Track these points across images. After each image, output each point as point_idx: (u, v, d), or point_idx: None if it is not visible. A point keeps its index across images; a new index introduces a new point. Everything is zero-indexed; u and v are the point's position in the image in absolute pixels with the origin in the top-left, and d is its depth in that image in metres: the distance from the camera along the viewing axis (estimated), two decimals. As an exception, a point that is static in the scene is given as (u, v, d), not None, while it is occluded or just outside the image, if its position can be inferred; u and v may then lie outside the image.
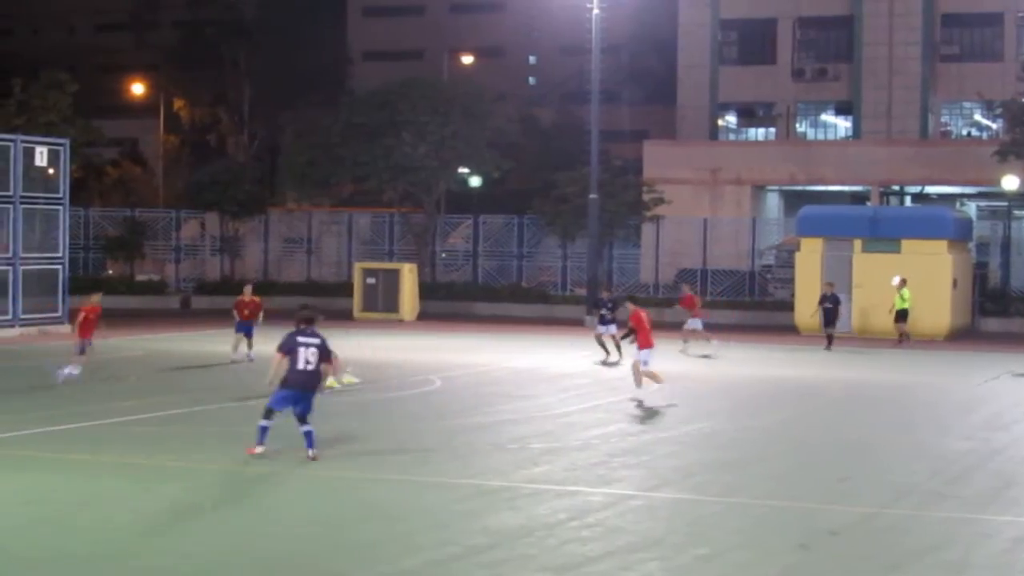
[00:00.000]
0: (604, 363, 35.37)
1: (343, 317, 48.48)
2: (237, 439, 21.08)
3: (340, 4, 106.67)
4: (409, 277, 53.65)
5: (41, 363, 34.45)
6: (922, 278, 45.73)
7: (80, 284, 51.57)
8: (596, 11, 51.95)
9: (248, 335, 33.29)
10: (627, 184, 58.23)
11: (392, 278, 53.51)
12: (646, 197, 57.13)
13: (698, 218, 59.92)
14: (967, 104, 71.47)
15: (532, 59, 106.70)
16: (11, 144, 43.77)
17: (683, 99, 74.98)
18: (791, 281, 50.43)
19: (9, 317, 43.00)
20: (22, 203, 43.72)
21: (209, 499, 17.22)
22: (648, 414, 25.98)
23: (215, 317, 43.91)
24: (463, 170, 64.35)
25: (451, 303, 56.75)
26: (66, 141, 46.57)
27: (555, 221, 57.39)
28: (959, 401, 29.83)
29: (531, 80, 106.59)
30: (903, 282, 43.93)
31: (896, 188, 68.68)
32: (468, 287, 59.53)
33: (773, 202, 71.05)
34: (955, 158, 64.15)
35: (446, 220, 64.60)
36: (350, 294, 53.68)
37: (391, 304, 52.90)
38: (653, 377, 27.57)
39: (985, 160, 55.85)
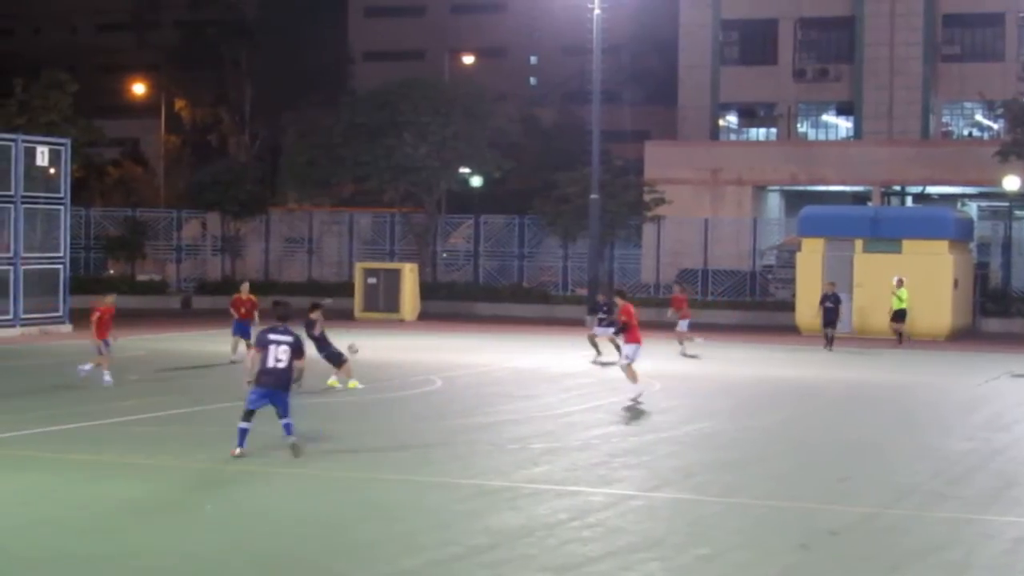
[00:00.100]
0: (595, 362, 35.32)
1: (344, 317, 48.45)
2: (226, 442, 21.08)
3: (341, 4, 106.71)
4: (410, 277, 53.65)
5: (41, 362, 34.53)
6: (923, 278, 45.73)
7: (81, 284, 51.66)
8: (597, 11, 51.92)
9: (245, 336, 33.29)
10: (628, 184, 58.25)
11: (393, 278, 53.51)
12: (647, 197, 57.14)
13: (699, 218, 59.94)
14: (968, 104, 71.47)
15: (533, 59, 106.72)
16: (12, 144, 43.78)
17: (684, 99, 75.02)
18: (792, 281, 50.43)
19: (10, 317, 43.01)
20: (23, 203, 43.73)
21: (210, 499, 17.22)
22: (649, 414, 25.95)
23: (216, 317, 43.88)
24: (464, 170, 64.37)
25: (452, 303, 56.75)
26: (67, 141, 46.58)
27: (556, 221, 57.42)
28: (960, 401, 29.82)
29: (532, 80, 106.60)
30: (900, 282, 43.93)
31: (897, 188, 68.69)
32: (469, 287, 59.54)
33: (774, 202, 71.07)
34: (956, 158, 64.16)
35: (447, 220, 64.61)
36: (351, 294, 53.67)
37: (392, 304, 52.91)
38: (629, 373, 27.45)
39: (986, 160, 55.86)
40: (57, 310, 44.64)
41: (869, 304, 45.97)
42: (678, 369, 34.94)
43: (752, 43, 74.86)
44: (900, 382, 33.82)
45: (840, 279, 45.10)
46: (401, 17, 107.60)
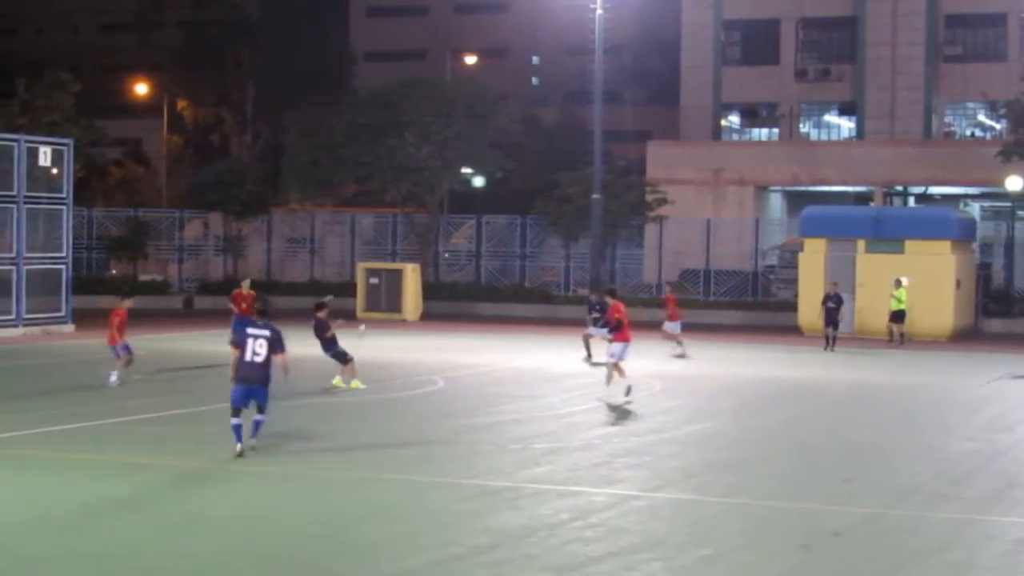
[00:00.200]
0: (585, 362, 35.26)
1: (346, 317, 48.33)
2: (228, 442, 21.09)
3: (343, 4, 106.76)
4: (412, 277, 53.65)
5: (43, 362, 34.55)
6: (925, 279, 45.74)
7: (84, 284, 51.65)
8: (599, 11, 51.92)
9: None
10: (630, 184, 58.25)
11: (395, 278, 53.51)
12: (649, 197, 57.15)
13: (701, 218, 59.94)
14: (971, 104, 71.44)
15: (535, 59, 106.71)
16: (15, 144, 43.79)
17: (686, 99, 75.02)
18: (794, 282, 50.42)
19: (13, 317, 43.02)
20: (26, 203, 43.73)
21: (211, 499, 17.22)
22: (650, 414, 25.95)
23: (218, 317, 43.88)
24: (466, 170, 64.36)
25: (454, 303, 56.75)
26: (70, 141, 46.59)
27: (558, 221, 57.42)
28: (962, 402, 29.80)
29: (534, 80, 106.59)
30: (898, 282, 43.92)
31: (899, 188, 68.66)
32: (471, 287, 59.55)
33: (776, 202, 71.07)
34: (959, 159, 64.15)
35: (449, 220, 64.61)
36: (353, 294, 53.66)
37: (394, 304, 52.91)
38: (615, 370, 27.39)
39: (989, 161, 55.85)
40: (60, 310, 44.66)
41: (871, 304, 45.94)
42: (679, 369, 34.94)
43: (754, 43, 74.85)
44: (902, 383, 33.81)
45: (842, 279, 45.10)
46: (403, 17, 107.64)
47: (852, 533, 15.82)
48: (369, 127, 58.62)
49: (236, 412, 19.72)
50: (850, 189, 68.10)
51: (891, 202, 68.37)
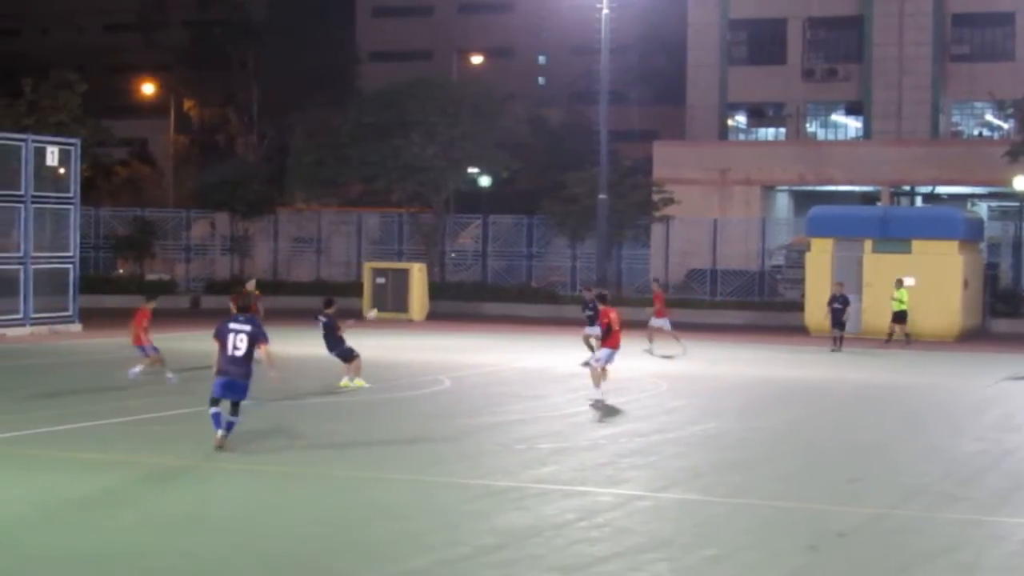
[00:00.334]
0: (586, 364, 35.13)
1: (352, 317, 48.32)
2: (243, 440, 21.10)
3: (349, 4, 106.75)
4: (419, 277, 53.67)
5: (50, 361, 34.58)
6: (933, 279, 45.71)
7: (91, 284, 51.67)
8: (606, 11, 51.93)
9: None
10: (636, 184, 58.23)
11: (401, 278, 53.54)
12: (655, 197, 57.12)
13: (707, 218, 59.90)
14: (978, 104, 71.37)
15: (541, 59, 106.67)
16: (22, 144, 43.84)
17: (692, 99, 75.00)
18: (801, 281, 50.37)
19: (20, 316, 43.09)
20: (33, 202, 43.79)
21: (214, 499, 17.21)
22: (656, 415, 25.94)
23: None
24: (472, 170, 64.37)
25: (460, 303, 56.75)
26: (77, 141, 46.62)
27: (564, 221, 57.38)
28: (970, 402, 29.76)
29: (540, 80, 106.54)
30: (899, 282, 43.88)
31: (907, 188, 68.60)
32: (477, 287, 59.55)
33: (783, 202, 71.03)
34: (966, 158, 64.08)
35: (455, 220, 64.60)
36: (359, 294, 53.67)
37: (400, 304, 52.91)
38: (599, 374, 27.32)
39: (996, 160, 55.80)
40: (67, 310, 44.72)
41: (878, 305, 45.85)
42: (685, 369, 34.91)
43: (760, 43, 74.81)
44: (909, 383, 33.77)
45: (849, 279, 45.00)
46: (409, 17, 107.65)
47: (858, 534, 15.79)
48: (375, 127, 58.64)
49: (215, 402, 20.11)
50: (857, 189, 68.06)
51: (898, 202, 68.32)
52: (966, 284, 47.33)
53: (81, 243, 48.06)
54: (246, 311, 20.59)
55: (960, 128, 73.64)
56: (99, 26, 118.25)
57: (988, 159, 59.39)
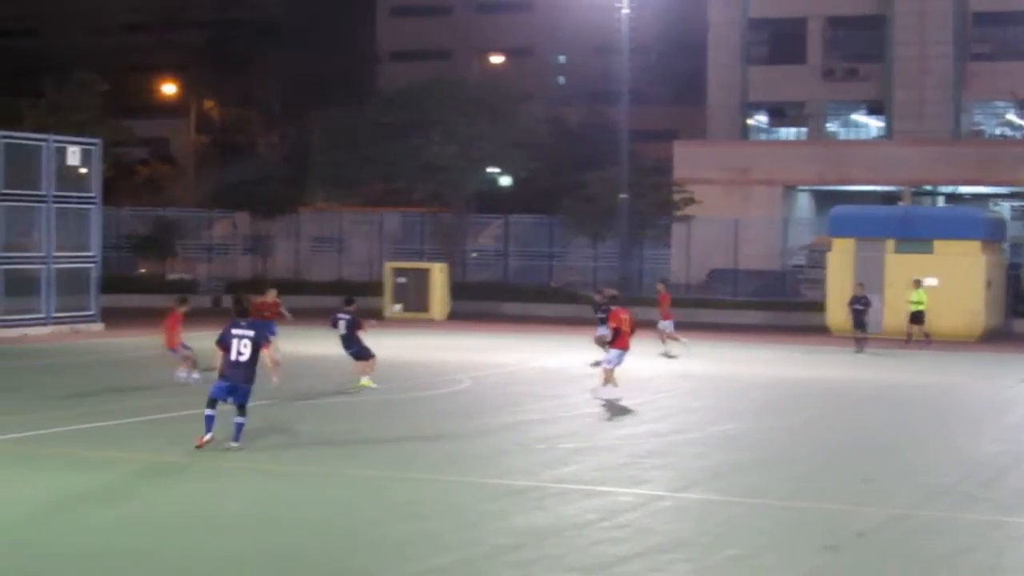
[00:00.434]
0: (597, 364, 35.02)
1: (373, 316, 48.38)
2: (263, 439, 21.17)
3: (368, 4, 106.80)
4: (439, 277, 53.69)
5: (72, 360, 34.69)
6: (955, 279, 45.56)
7: (112, 283, 51.78)
8: (626, 11, 51.90)
9: (272, 333, 33.25)
10: (657, 184, 58.17)
11: (422, 278, 53.55)
12: (676, 197, 57.06)
13: (728, 218, 59.75)
14: (1000, 103, 71.11)
15: (561, 59, 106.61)
16: (44, 144, 43.99)
17: (713, 99, 74.89)
18: (822, 282, 50.23)
19: (42, 315, 43.24)
20: (55, 202, 43.94)
21: (233, 498, 17.25)
22: (676, 415, 25.93)
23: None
24: (492, 170, 64.39)
25: (481, 303, 56.71)
26: (99, 140, 46.74)
27: (584, 221, 57.33)
28: (991, 403, 29.67)
29: (560, 80, 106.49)
30: (916, 283, 43.74)
31: (928, 188, 68.40)
32: (498, 287, 59.54)
33: (804, 202, 70.87)
34: (987, 158, 63.87)
35: (476, 220, 64.61)
36: (380, 293, 53.72)
37: (421, 303, 52.95)
38: (605, 376, 27.33)
39: (1018, 160, 55.64)
40: (88, 309, 44.87)
41: (900, 305, 45.66)
42: (706, 370, 34.87)
43: (781, 42, 74.67)
44: (930, 383, 33.68)
45: (871, 279, 44.85)
46: (428, 17, 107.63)
47: (877, 534, 15.77)
48: (395, 126, 58.68)
49: (212, 404, 20.27)
50: (878, 189, 67.86)
51: (920, 202, 68.14)
52: (988, 284, 47.17)
53: (103, 243, 48.18)
54: (246, 315, 20.69)
55: (982, 127, 73.41)
56: (119, 26, 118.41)
57: (1010, 158, 59.23)
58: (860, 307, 41.47)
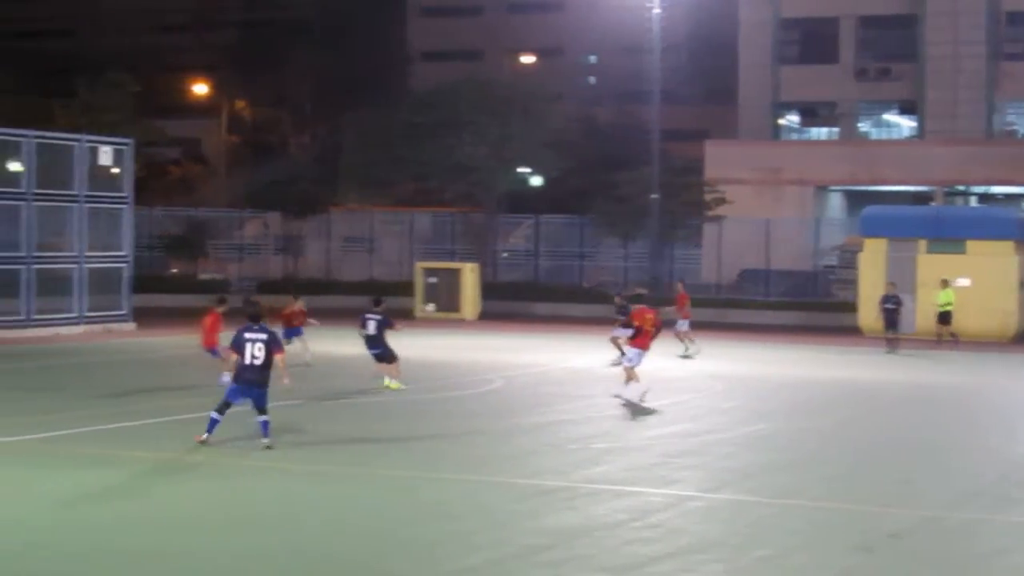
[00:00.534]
0: (614, 364, 34.89)
1: (404, 316, 48.46)
2: (291, 438, 21.22)
3: (399, 4, 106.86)
4: (470, 276, 53.72)
5: (105, 360, 34.83)
6: (988, 279, 45.33)
7: (144, 283, 51.98)
8: (657, 11, 51.81)
9: (299, 335, 33.36)
10: (688, 184, 58.04)
11: (453, 277, 53.60)
12: (707, 197, 56.93)
13: (760, 218, 59.55)
14: (1033, 103, 70.77)
15: (592, 59, 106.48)
16: (76, 144, 44.19)
17: (744, 98, 74.69)
18: (854, 282, 50.02)
19: (74, 315, 43.44)
20: (87, 202, 44.13)
21: (263, 498, 17.26)
22: (707, 415, 25.86)
23: (277, 316, 44.06)
24: (523, 170, 64.36)
25: (511, 303, 56.70)
26: (131, 140, 46.93)
27: (615, 221, 57.25)
28: (1024, 403, 29.52)
29: (591, 80, 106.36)
30: (944, 283, 43.52)
31: (960, 188, 68.08)
32: (529, 287, 59.52)
33: (836, 202, 70.64)
34: (1020, 158, 63.62)
35: (506, 220, 64.60)
36: (410, 293, 53.77)
37: (452, 303, 52.99)
38: (627, 375, 27.29)
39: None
40: (120, 309, 45.05)
41: (932, 305, 45.44)
42: (737, 370, 34.78)
43: (812, 42, 74.43)
44: (962, 384, 33.52)
45: (903, 280, 44.62)
46: (459, 17, 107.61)
47: (911, 535, 15.68)
48: (426, 127, 58.72)
49: (223, 407, 20.49)
50: (910, 189, 67.57)
51: (952, 202, 67.82)
52: (1022, 285, 46.89)
53: (134, 242, 48.35)
54: (258, 319, 20.73)
55: (1014, 127, 73.03)
56: (151, 27, 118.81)
57: (1043, 159, 58.90)
58: (891, 306, 41.28)
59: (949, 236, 47.14)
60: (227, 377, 28.49)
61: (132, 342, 40.55)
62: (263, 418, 20.37)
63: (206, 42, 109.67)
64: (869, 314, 45.21)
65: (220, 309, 29.09)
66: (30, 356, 35.59)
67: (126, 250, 45.85)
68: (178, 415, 23.77)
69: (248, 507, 16.68)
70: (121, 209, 45.67)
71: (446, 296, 53.29)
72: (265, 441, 20.25)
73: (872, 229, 48.78)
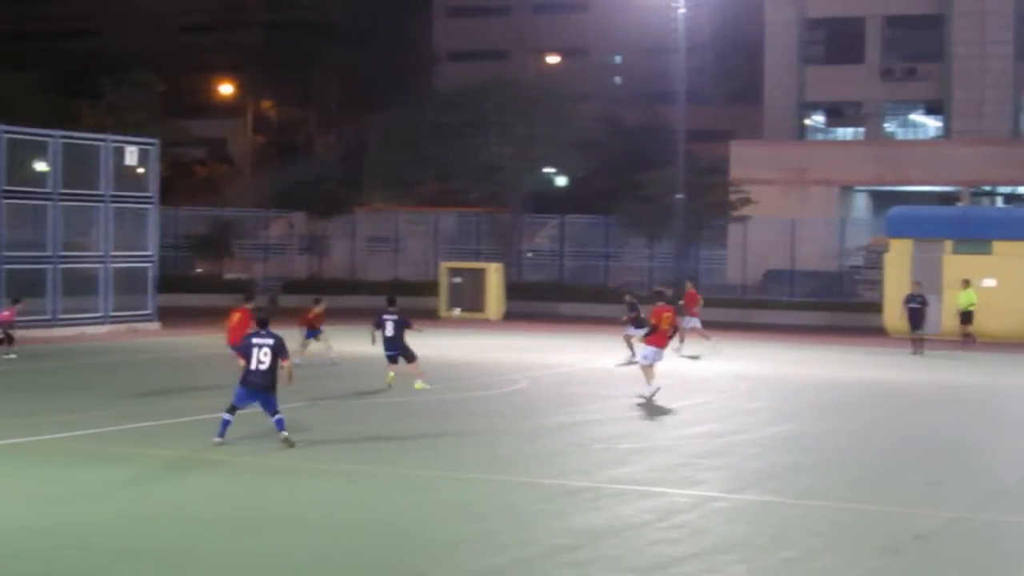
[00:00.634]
0: (627, 363, 34.80)
1: (428, 316, 48.49)
2: (313, 438, 21.26)
3: (425, 4, 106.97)
4: (495, 277, 53.73)
5: (130, 359, 34.93)
6: (1014, 280, 45.10)
7: (169, 283, 52.14)
8: (682, 11, 51.75)
9: (319, 335, 33.50)
10: (713, 184, 57.95)
11: (478, 277, 53.62)
12: (733, 197, 56.84)
13: (785, 219, 59.42)
14: (1060, 103, 70.42)
15: (617, 59, 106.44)
16: (102, 144, 44.34)
17: (769, 98, 74.53)
18: (880, 282, 49.87)
19: (100, 314, 43.59)
20: (112, 202, 44.28)
21: (289, 498, 17.28)
22: (732, 416, 25.82)
23: (300, 319, 44.12)
24: (548, 170, 64.34)
25: (536, 303, 56.68)
26: (156, 140, 47.05)
27: (640, 221, 57.19)
28: (1051, 404, 29.39)
29: (616, 80, 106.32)
30: (965, 283, 43.34)
31: (987, 188, 67.82)
32: (553, 287, 59.50)
33: (861, 202, 70.44)
34: (1047, 158, 63.29)
35: (531, 220, 64.59)
36: (435, 293, 53.81)
37: (477, 303, 53.01)
38: (645, 373, 27.26)
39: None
40: (146, 308, 45.18)
41: (954, 306, 45.25)
42: (762, 371, 34.71)
43: (838, 42, 74.23)
44: (988, 385, 33.39)
45: (929, 280, 44.41)
46: (484, 17, 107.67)
47: (937, 536, 15.63)
48: (451, 127, 58.76)
49: (232, 409, 20.59)
50: (936, 189, 67.33)
51: (978, 202, 67.57)
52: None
53: (160, 242, 48.49)
54: (266, 325, 20.87)
55: (1042, 127, 72.73)
56: (177, 27, 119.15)
57: (1070, 159, 58.62)
58: (916, 306, 40.99)
59: (975, 237, 46.97)
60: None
61: (157, 341, 40.67)
62: (276, 417, 20.51)
63: (232, 42, 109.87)
64: (895, 314, 45.04)
65: (249, 305, 28.97)
66: (56, 355, 35.72)
67: (151, 250, 45.98)
68: (202, 414, 23.79)
69: (271, 506, 16.70)
70: (146, 209, 45.80)
71: (471, 296, 53.31)
72: (284, 435, 20.36)
73: (898, 229, 48.64)
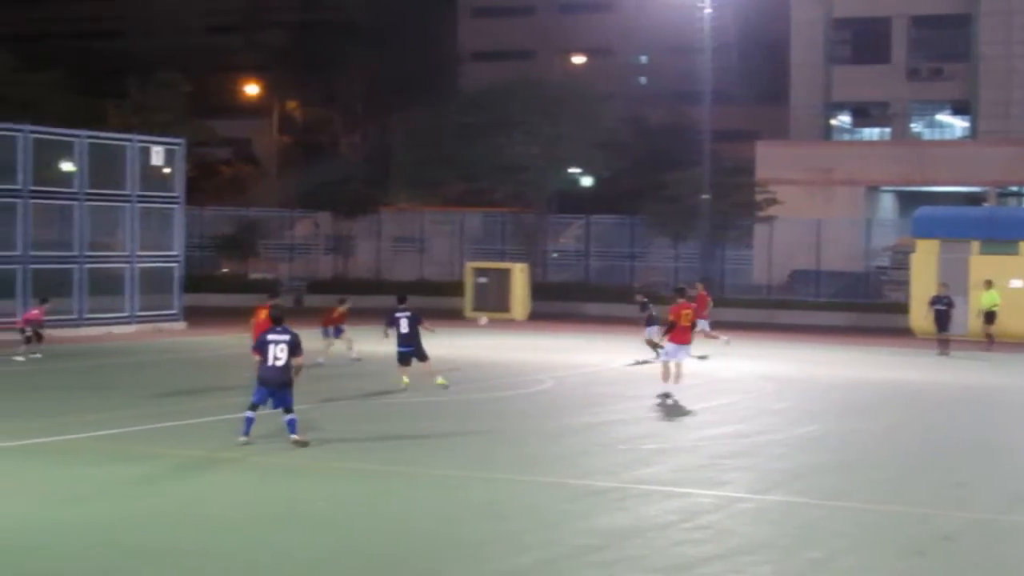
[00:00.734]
0: (644, 362, 34.70)
1: (454, 316, 48.52)
2: (338, 438, 21.27)
3: (450, 5, 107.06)
4: (520, 277, 53.73)
5: (155, 359, 35.02)
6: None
7: (195, 282, 52.27)
8: (708, 11, 51.67)
9: (341, 333, 33.70)
10: (739, 184, 57.84)
11: (503, 278, 53.63)
12: (758, 198, 56.72)
13: (811, 219, 59.22)
14: (1087, 103, 70.07)
15: (642, 59, 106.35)
16: (128, 144, 44.48)
17: (796, 99, 74.34)
18: (906, 283, 49.70)
19: (126, 314, 43.74)
20: (139, 202, 44.42)
21: (320, 496, 17.30)
22: (758, 416, 25.76)
23: (324, 318, 44.18)
24: (574, 170, 64.30)
25: (562, 303, 56.65)
26: (182, 140, 47.18)
27: (666, 222, 57.12)
28: (1078, 406, 29.25)
29: (641, 80, 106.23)
30: (988, 283, 43.17)
31: (1014, 189, 67.55)
32: (579, 287, 59.47)
33: (887, 203, 70.21)
34: (1075, 158, 62.97)
35: (557, 220, 64.57)
36: (460, 293, 53.84)
37: (502, 303, 52.99)
38: (663, 370, 27.22)
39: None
40: (172, 308, 45.32)
41: (977, 307, 45.05)
42: (788, 371, 34.63)
43: (864, 42, 74.02)
44: (1014, 386, 33.26)
45: (955, 281, 44.22)
46: (509, 17, 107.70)
47: (963, 538, 15.57)
48: (476, 127, 58.78)
49: (253, 407, 20.69)
50: (962, 189, 67.09)
51: (1005, 203, 67.30)
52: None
53: (185, 242, 48.62)
54: (281, 322, 20.99)
55: (1069, 127, 72.37)
56: (202, 27, 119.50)
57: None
58: (942, 307, 40.79)
59: (1002, 237, 46.79)
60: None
61: (183, 341, 40.77)
62: (290, 417, 20.54)
63: (257, 42, 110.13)
64: (920, 315, 44.88)
65: (274, 302, 28.92)
66: (82, 355, 35.85)
67: (177, 250, 46.11)
68: (226, 414, 23.80)
69: (295, 505, 16.71)
70: (172, 209, 45.93)
71: (496, 296, 53.30)
72: (295, 437, 20.40)
73: (924, 230, 48.47)
